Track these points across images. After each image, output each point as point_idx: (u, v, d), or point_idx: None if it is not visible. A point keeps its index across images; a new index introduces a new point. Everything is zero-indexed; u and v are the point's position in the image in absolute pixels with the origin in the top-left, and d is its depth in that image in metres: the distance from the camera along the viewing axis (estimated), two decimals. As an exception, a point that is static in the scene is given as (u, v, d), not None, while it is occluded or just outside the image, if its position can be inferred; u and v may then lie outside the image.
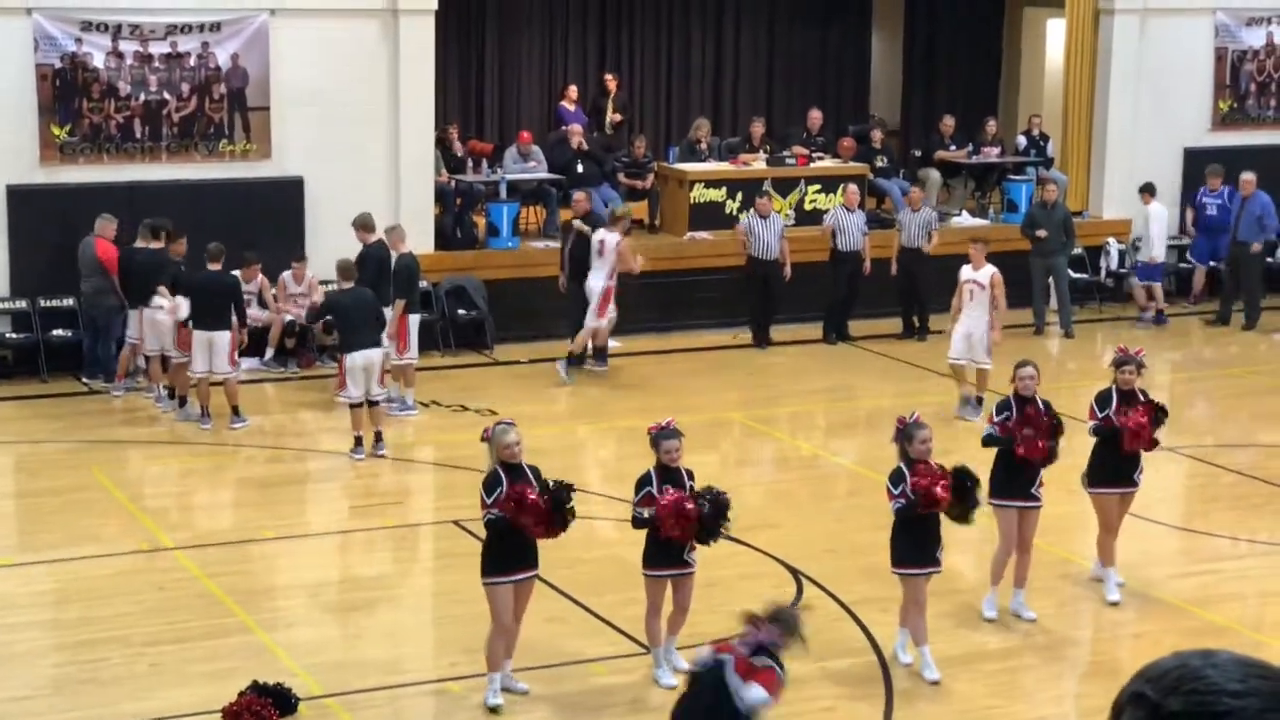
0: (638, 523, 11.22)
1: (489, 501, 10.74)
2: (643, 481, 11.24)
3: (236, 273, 17.95)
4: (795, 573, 13.43)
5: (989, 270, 17.98)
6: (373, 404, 16.58)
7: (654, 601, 11.37)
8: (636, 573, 11.64)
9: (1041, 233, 21.93)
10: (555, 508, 10.76)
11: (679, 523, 11.01)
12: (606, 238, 19.14)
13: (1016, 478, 12.43)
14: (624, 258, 19.13)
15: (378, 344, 16.69)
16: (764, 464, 17.11)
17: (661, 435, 11.27)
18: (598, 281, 19.09)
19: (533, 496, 10.67)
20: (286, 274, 19.60)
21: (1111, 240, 23.80)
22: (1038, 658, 12.07)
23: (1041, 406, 12.55)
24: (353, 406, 16.54)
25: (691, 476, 11.36)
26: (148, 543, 14.12)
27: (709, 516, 11.09)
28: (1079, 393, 19.85)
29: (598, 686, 11.41)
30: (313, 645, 11.21)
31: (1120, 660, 12.20)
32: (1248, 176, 22.75)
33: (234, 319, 17.26)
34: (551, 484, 10.84)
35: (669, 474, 11.22)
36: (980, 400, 17.65)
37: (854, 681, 11.53)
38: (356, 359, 16.42)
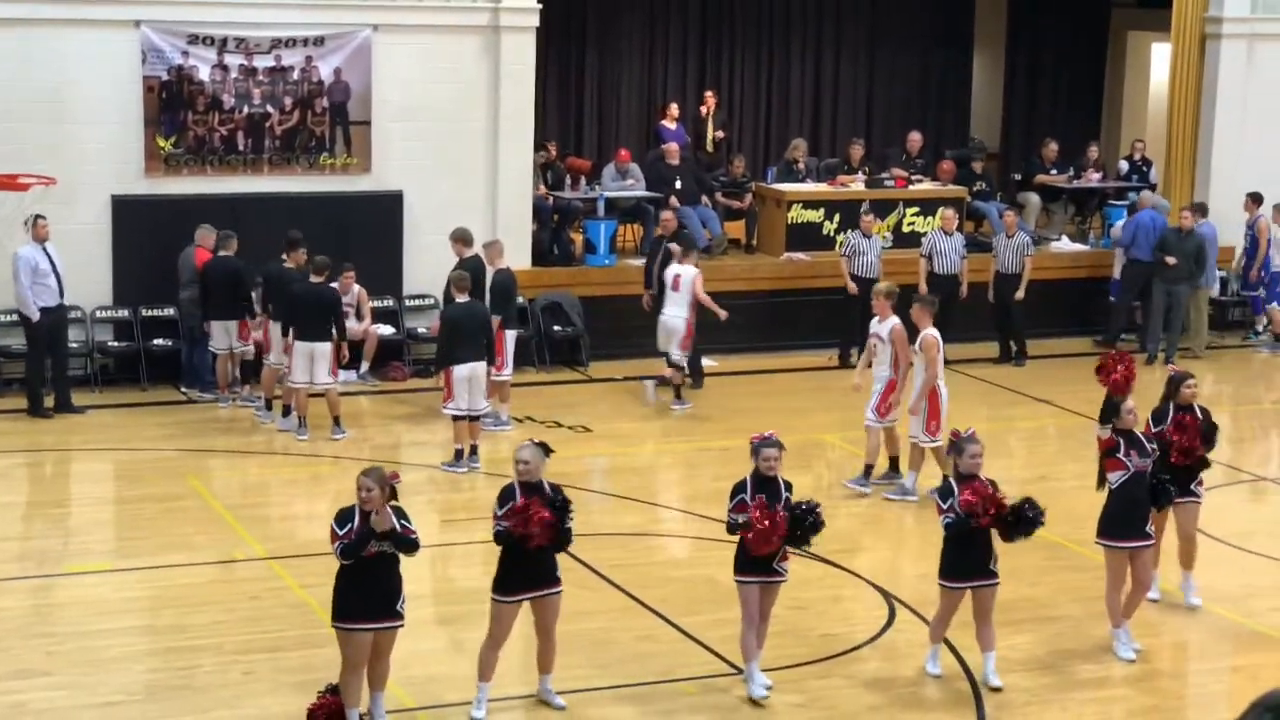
0: (732, 528, 11.25)
1: (499, 514, 10.57)
2: (738, 488, 11.28)
3: (334, 284, 18.08)
4: (888, 597, 13.35)
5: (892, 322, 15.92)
6: (474, 418, 16.67)
7: (749, 611, 11.29)
8: (726, 592, 11.61)
9: (1171, 259, 21.65)
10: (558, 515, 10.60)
11: (764, 544, 11.04)
12: (682, 272, 18.98)
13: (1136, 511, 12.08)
14: (710, 306, 18.92)
15: (482, 358, 16.76)
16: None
17: (762, 444, 11.29)
18: (678, 315, 18.89)
19: (544, 513, 10.51)
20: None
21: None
22: (1132, 689, 11.93)
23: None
24: (456, 419, 16.66)
25: (789, 488, 11.33)
26: (242, 552, 14.24)
27: (796, 535, 11.14)
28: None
29: (688, 705, 11.38)
30: (404, 657, 11.20)
31: (1215, 694, 12.03)
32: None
33: (334, 331, 17.44)
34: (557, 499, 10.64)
35: (765, 483, 11.23)
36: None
37: (945, 707, 11.45)
38: (461, 371, 16.53)
